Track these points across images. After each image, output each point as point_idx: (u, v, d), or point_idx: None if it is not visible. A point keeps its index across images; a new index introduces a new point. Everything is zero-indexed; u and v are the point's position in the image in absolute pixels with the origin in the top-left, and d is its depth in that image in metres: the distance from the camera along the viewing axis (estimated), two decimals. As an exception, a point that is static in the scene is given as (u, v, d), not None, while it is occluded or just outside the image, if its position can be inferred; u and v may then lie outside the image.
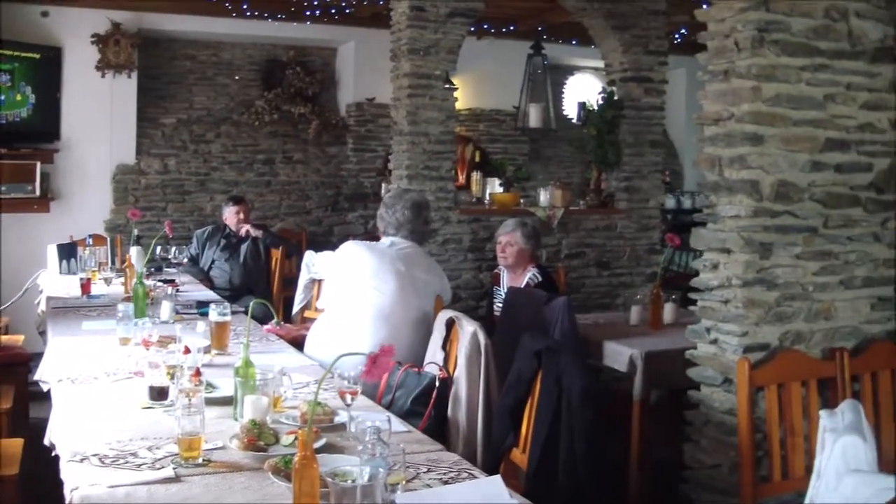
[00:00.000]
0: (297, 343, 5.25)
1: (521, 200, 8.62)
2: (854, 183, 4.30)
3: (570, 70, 13.68)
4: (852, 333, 4.35)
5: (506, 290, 6.39)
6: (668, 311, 5.98)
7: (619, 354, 5.35)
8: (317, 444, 3.13)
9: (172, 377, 3.66)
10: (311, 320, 5.79)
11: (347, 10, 10.41)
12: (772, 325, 4.10)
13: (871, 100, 4.31)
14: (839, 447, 2.73)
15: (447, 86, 7.96)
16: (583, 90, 12.99)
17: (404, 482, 2.78)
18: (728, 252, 4.10)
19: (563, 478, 3.88)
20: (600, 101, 8.62)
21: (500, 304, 6.31)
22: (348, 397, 3.44)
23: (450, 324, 4.77)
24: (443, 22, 7.79)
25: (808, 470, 2.86)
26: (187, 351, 3.95)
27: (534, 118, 9.58)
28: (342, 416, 3.45)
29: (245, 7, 10.11)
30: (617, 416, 5.43)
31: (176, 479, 2.82)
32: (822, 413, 2.93)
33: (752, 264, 4.04)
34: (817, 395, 4.06)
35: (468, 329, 4.53)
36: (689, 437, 4.34)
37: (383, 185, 10.27)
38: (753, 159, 4.01)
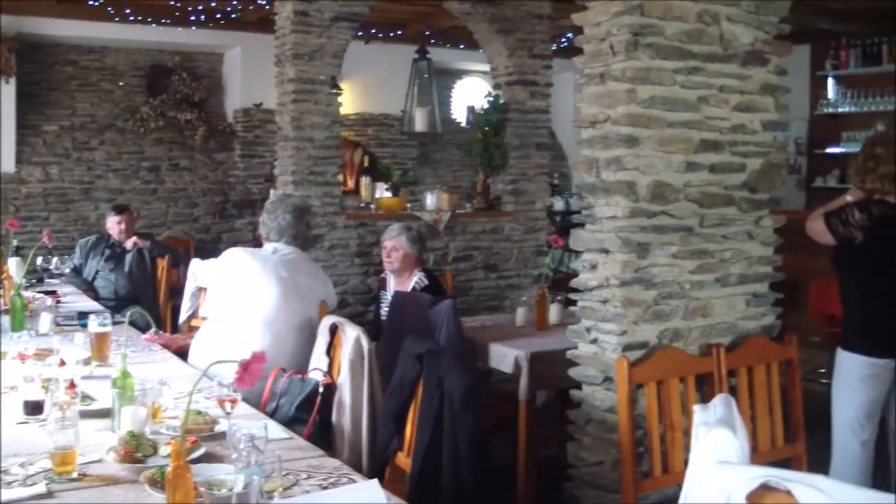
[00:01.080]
0: (183, 352, 5.18)
1: (408, 205, 8.64)
2: (728, 183, 4.39)
3: (459, 74, 13.76)
4: (729, 329, 4.44)
5: (392, 294, 6.39)
6: (554, 312, 6.03)
7: (504, 356, 5.38)
8: (195, 454, 3.09)
9: (48, 391, 3.58)
10: (199, 329, 5.72)
11: (233, 15, 10.33)
12: (650, 324, 4.17)
13: (744, 102, 4.41)
14: (710, 440, 2.77)
15: (333, 90, 7.94)
16: (471, 94, 13.07)
17: (281, 489, 2.76)
18: (606, 252, 4.16)
19: (447, 480, 3.89)
20: (486, 105, 8.67)
21: (387, 309, 6.31)
22: (228, 405, 3.40)
23: (333, 329, 4.76)
24: (327, 26, 7.77)
25: (688, 464, 2.91)
26: (63, 363, 3.87)
27: (420, 122, 9.61)
28: (224, 425, 3.41)
29: (128, 12, 9.97)
30: (505, 417, 5.46)
31: (48, 494, 2.75)
32: (696, 408, 2.98)
33: (630, 264, 4.10)
34: (695, 391, 4.14)
35: (351, 334, 4.53)
36: (572, 435, 4.38)
37: (271, 192, 10.19)
38: (629, 161, 4.07)
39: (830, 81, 12.77)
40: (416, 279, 6.43)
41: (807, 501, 2.22)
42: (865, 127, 12.20)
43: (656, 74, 4.10)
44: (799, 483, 2.26)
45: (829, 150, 12.45)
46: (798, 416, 4.50)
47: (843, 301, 4.98)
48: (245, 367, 2.58)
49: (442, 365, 3.93)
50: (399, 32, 11.73)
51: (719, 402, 3.01)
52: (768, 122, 4.53)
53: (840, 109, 12.56)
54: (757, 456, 4.29)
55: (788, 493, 2.27)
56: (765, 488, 2.34)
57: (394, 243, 6.46)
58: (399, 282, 6.52)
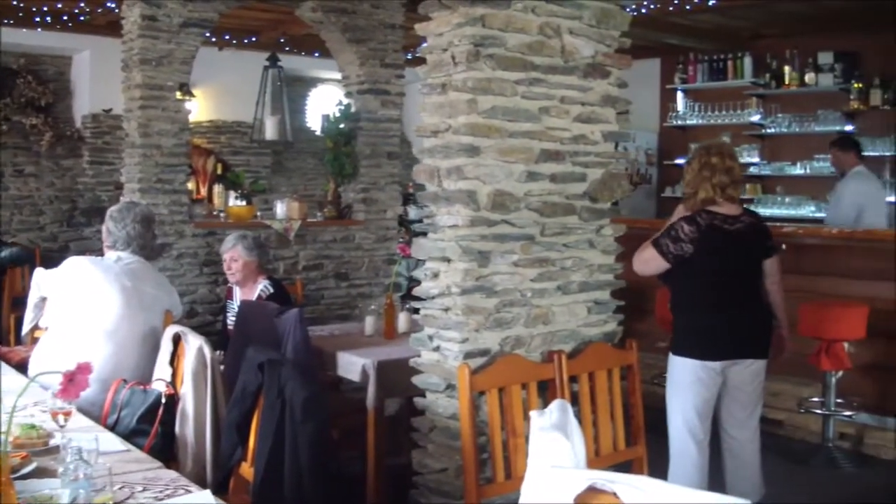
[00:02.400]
0: (24, 365, 5.03)
1: (258, 213, 8.56)
2: (569, 192, 4.47)
3: (314, 82, 13.73)
4: (570, 336, 4.52)
5: (239, 303, 6.33)
6: (403, 321, 6.05)
7: (352, 365, 5.38)
8: (25, 470, 3.01)
9: None
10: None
11: (81, 18, 10.11)
12: (492, 331, 4.22)
13: (584, 113, 4.50)
14: (544, 445, 2.82)
15: (183, 97, 7.82)
16: (326, 102, 13.04)
17: (112, 503, 2.70)
18: (447, 261, 4.19)
19: (289, 490, 3.87)
20: (337, 113, 8.66)
21: (234, 319, 6.25)
22: (61, 418, 3.32)
23: (176, 339, 4.69)
24: (176, 32, 7.66)
25: (529, 469, 2.96)
26: None
27: (270, 130, 9.53)
28: (59, 439, 3.33)
29: (-32, 11, 9.66)
30: (355, 426, 5.46)
31: None
32: (533, 414, 3.02)
33: (471, 272, 4.14)
34: (538, 397, 4.20)
35: (194, 344, 4.47)
36: (417, 443, 4.40)
37: (121, 199, 9.99)
38: (470, 170, 4.11)
39: (679, 95, 13.17)
40: (260, 287, 6.39)
41: (631, 501, 2.28)
42: (712, 139, 12.60)
43: (497, 85, 4.15)
44: (623, 484, 2.32)
45: (678, 161, 12.79)
46: (638, 420, 4.61)
47: (672, 308, 5.14)
48: (69, 377, 2.53)
49: (283, 374, 3.90)
50: (253, 39, 11.64)
51: (555, 408, 3.06)
52: (609, 132, 4.63)
53: (688, 122, 12.96)
54: (599, 459, 4.38)
55: (614, 494, 2.33)
56: (592, 490, 2.39)
57: (231, 254, 6.41)
58: (244, 291, 6.46)
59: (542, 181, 4.34)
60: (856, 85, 11.29)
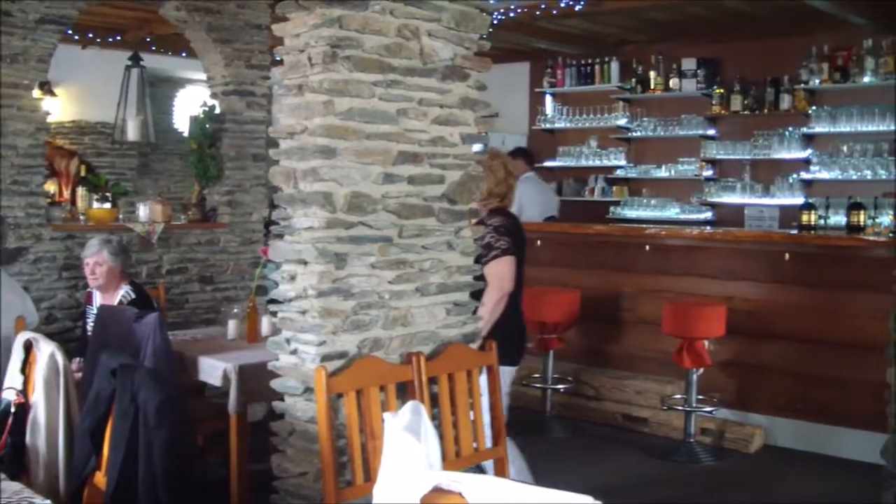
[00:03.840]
0: None
1: (120, 216, 8.38)
2: (427, 194, 4.48)
3: (182, 82, 13.52)
4: (429, 338, 4.53)
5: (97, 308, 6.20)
6: (266, 324, 6.00)
7: (213, 369, 5.32)
8: None
9: None
10: None
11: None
12: (350, 334, 4.20)
13: (443, 115, 4.51)
14: (395, 447, 2.82)
15: (40, 96, 7.61)
16: (194, 103, 12.86)
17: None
18: (304, 263, 4.16)
19: (143, 497, 3.81)
20: (201, 115, 8.54)
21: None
22: None
23: (28, 346, 4.57)
24: (32, 28, 7.43)
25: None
26: None
27: (132, 131, 9.33)
28: None
29: None
30: (221, 432, 5.40)
31: None
32: (385, 415, 3.03)
33: (328, 274, 4.11)
34: (396, 399, 4.20)
35: (46, 350, 4.36)
36: (277, 447, 4.36)
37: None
38: (326, 172, 4.08)
39: (548, 98, 13.33)
40: (122, 292, 6.27)
41: (476, 501, 2.30)
42: (580, 142, 12.84)
43: (354, 87, 4.14)
44: (468, 484, 2.34)
45: (547, 163, 12.97)
46: (499, 421, 4.65)
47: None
48: None
49: (136, 379, 3.84)
50: (118, 38, 11.42)
51: (408, 410, 3.07)
52: (467, 135, 4.65)
53: (556, 125, 13.13)
54: (460, 460, 4.40)
55: (460, 494, 2.35)
56: (438, 491, 2.41)
57: (95, 259, 6.26)
58: (105, 296, 6.32)
59: (399, 183, 4.34)
60: (717, 90, 11.60)
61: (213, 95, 8.69)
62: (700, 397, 7.26)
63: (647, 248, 8.25)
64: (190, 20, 8.37)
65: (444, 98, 4.53)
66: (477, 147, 4.76)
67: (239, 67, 8.54)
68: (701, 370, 7.17)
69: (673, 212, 11.79)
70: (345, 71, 4.11)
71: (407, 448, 2.83)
